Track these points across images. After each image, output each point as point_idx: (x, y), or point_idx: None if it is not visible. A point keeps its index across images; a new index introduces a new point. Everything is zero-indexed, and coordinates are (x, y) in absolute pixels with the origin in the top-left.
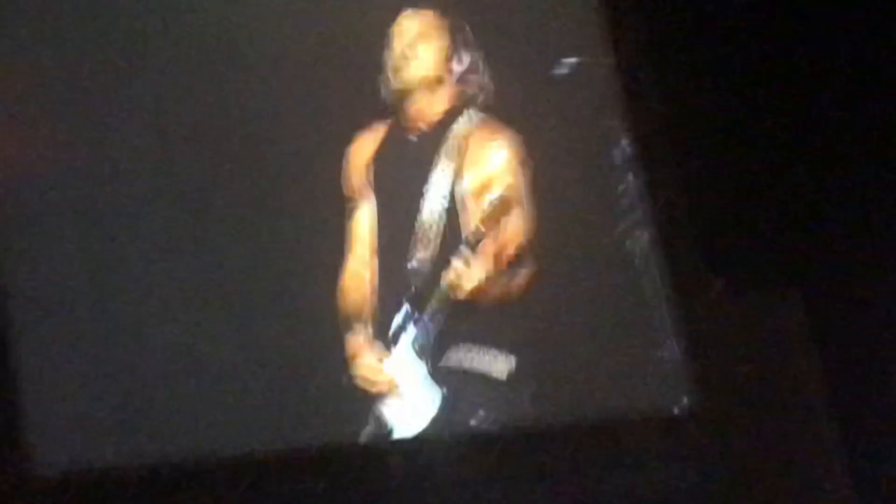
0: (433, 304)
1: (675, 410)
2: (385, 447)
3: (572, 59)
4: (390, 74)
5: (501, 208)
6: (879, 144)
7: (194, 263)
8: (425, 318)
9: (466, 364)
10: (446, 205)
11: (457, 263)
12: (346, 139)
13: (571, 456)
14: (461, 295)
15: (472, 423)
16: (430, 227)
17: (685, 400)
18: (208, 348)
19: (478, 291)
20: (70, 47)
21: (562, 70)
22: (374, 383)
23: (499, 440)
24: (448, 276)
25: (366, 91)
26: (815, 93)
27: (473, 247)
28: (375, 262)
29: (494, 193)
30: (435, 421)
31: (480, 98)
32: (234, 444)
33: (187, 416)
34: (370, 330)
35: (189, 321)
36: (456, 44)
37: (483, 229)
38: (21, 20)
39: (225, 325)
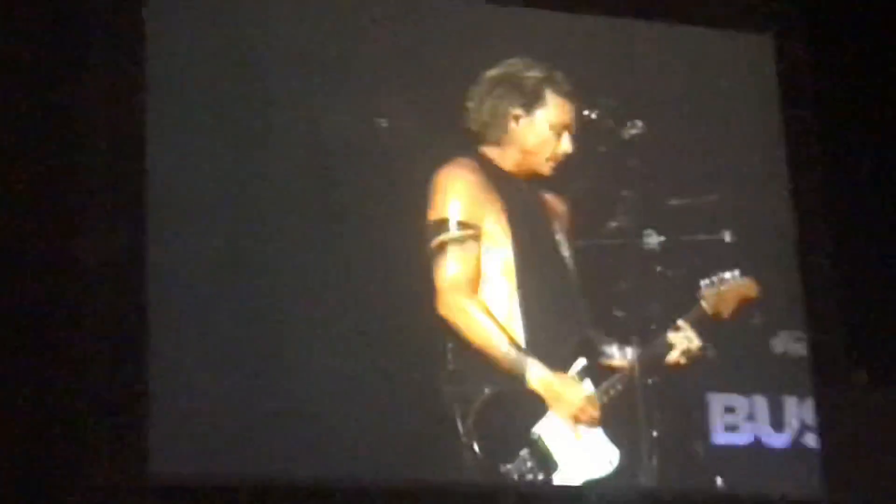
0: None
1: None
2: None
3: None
4: None
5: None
6: None
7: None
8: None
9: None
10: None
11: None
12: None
13: None
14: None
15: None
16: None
17: (824, 492)
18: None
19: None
20: None
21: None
22: (592, 413)
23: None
24: (679, 344)
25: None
26: None
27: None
28: (518, 296)
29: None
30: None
31: None
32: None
33: (334, 436)
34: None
35: (332, 343)
36: None
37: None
38: None
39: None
